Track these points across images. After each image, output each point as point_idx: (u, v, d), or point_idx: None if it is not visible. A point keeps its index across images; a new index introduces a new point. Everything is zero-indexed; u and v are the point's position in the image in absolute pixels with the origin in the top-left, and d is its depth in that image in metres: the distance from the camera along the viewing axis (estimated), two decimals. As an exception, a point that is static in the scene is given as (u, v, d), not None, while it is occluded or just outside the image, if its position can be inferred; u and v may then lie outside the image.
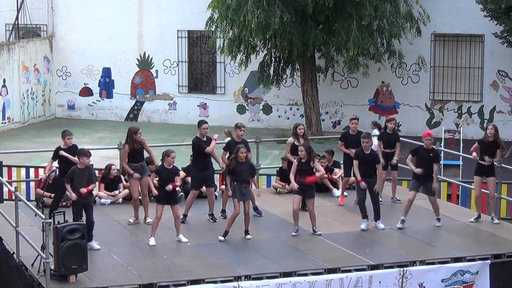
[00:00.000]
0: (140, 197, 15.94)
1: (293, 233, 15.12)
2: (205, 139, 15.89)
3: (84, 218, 13.99)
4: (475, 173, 16.30)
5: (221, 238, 14.82)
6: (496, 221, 16.28)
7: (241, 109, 32.81)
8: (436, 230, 15.75)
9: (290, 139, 16.73)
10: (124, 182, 17.50)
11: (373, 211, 15.70)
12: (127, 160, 15.65)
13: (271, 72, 29.65)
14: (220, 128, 31.47)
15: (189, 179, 17.08)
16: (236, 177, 14.70)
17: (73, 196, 14.02)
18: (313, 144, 27.14)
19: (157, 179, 14.87)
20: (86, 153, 14.20)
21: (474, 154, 16.27)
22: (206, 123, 16.14)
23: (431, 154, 15.75)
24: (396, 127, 17.81)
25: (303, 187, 15.00)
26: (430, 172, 15.75)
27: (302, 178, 15.01)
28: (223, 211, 16.09)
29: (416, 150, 15.93)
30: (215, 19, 28.53)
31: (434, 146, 16.17)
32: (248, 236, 14.94)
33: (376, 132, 24.98)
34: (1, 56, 31.20)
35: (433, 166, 15.66)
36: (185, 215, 15.87)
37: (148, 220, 15.67)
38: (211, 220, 16.05)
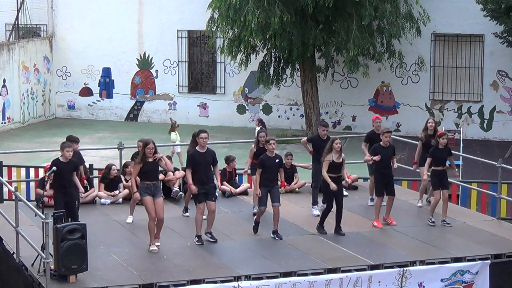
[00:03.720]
0: None
1: (255, 211, 15.57)
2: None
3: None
4: (421, 164, 16.77)
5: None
6: (420, 204, 16.90)
7: (241, 109, 32.80)
8: (436, 230, 15.73)
9: (329, 157, 14.90)
10: (124, 182, 17.50)
11: (312, 195, 16.45)
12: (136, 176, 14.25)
13: (271, 72, 29.64)
14: (220, 128, 31.65)
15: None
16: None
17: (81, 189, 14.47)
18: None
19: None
20: (75, 139, 14.42)
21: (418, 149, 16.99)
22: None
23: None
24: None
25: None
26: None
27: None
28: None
29: (370, 137, 16.75)
30: (215, 19, 28.54)
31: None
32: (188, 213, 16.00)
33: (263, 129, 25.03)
34: (1, 56, 31.20)
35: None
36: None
37: (153, 248, 14.17)
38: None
